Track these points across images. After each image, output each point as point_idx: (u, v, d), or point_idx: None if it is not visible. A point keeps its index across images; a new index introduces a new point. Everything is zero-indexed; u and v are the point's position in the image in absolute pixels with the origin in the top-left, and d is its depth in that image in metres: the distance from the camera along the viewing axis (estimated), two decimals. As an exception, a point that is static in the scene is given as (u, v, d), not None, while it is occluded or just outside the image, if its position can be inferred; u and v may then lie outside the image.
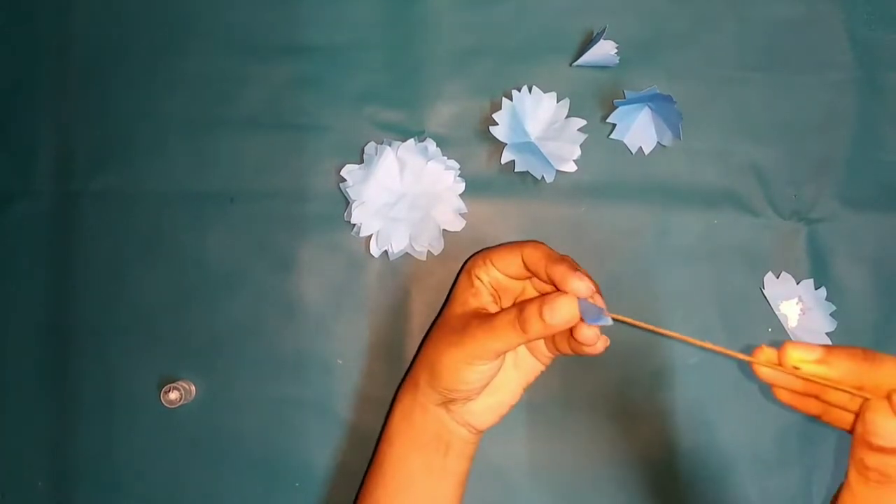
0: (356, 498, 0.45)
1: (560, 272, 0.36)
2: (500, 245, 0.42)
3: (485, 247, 0.44)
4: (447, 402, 0.41)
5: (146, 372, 0.49)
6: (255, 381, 0.49)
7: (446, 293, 0.48)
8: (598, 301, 0.37)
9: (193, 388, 0.48)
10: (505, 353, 0.39)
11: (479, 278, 0.42)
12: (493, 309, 0.41)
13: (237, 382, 0.49)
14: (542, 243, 0.40)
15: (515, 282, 0.42)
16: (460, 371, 0.39)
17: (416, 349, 0.48)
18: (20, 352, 0.49)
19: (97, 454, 0.49)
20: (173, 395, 0.46)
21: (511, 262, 0.41)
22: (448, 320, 0.41)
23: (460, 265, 0.48)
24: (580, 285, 0.35)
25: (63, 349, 0.49)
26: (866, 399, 0.28)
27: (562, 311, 0.35)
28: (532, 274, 0.40)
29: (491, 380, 0.40)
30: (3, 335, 0.49)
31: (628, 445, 0.48)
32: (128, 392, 0.49)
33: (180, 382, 0.47)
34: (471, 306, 0.41)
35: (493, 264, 0.41)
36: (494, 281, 0.42)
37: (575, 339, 0.37)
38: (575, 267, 0.37)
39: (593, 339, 0.36)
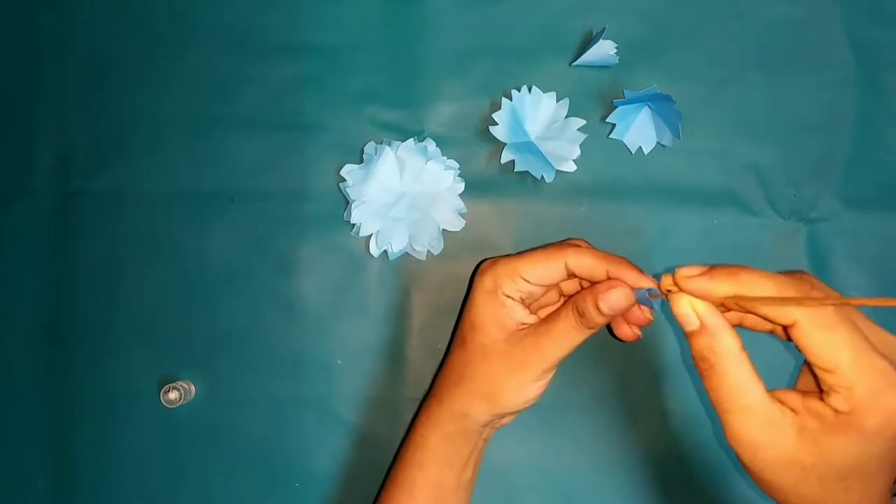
0: None
1: (628, 267, 0.37)
2: (520, 255, 0.40)
3: (487, 261, 0.42)
4: (499, 420, 0.41)
5: (146, 372, 0.49)
6: (255, 381, 0.49)
7: (446, 293, 0.48)
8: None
9: (193, 388, 0.48)
10: (569, 355, 0.39)
11: (509, 296, 0.40)
12: (531, 320, 0.40)
13: (237, 382, 0.49)
14: (580, 243, 0.40)
15: (541, 291, 0.40)
16: (527, 389, 0.39)
17: (414, 349, 0.48)
18: (20, 351, 0.49)
19: (97, 454, 0.49)
20: (173, 395, 0.46)
21: (549, 271, 0.39)
22: (494, 349, 0.40)
23: (460, 265, 0.48)
24: (647, 279, 0.37)
25: (63, 349, 0.49)
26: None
27: (620, 300, 0.36)
28: (580, 278, 0.39)
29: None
30: (3, 335, 0.49)
31: (628, 445, 0.48)
32: (128, 392, 0.49)
33: (180, 382, 0.47)
34: (510, 327, 0.40)
35: (523, 278, 0.39)
36: (525, 293, 0.40)
37: (626, 322, 0.38)
38: (635, 266, 0.37)
39: (644, 320, 0.37)
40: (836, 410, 0.28)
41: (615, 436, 0.48)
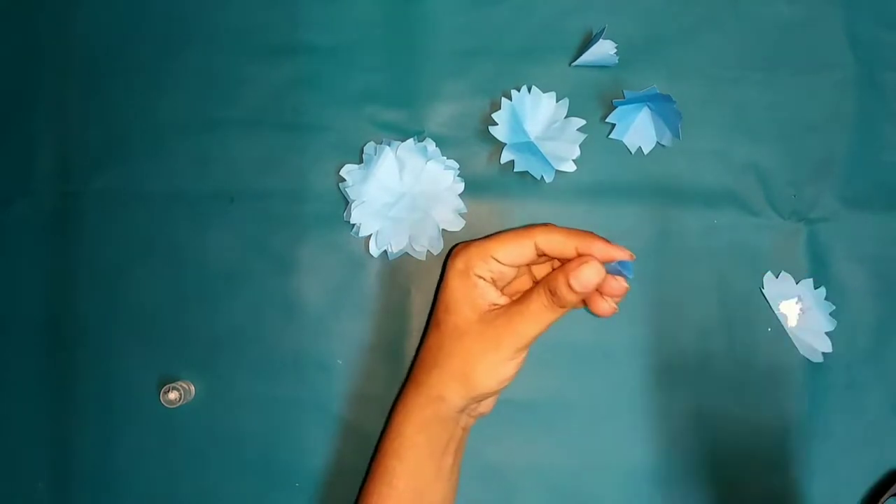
0: None
1: (599, 243, 0.38)
2: (491, 237, 0.41)
3: (460, 244, 0.42)
4: (472, 404, 0.41)
5: (146, 372, 0.49)
6: (255, 381, 0.49)
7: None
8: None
9: (193, 388, 0.48)
10: (542, 334, 0.40)
11: (481, 277, 0.41)
12: (503, 301, 0.41)
13: (237, 383, 0.49)
14: (548, 224, 0.40)
15: (512, 272, 0.41)
16: (500, 369, 0.39)
17: (415, 349, 0.48)
18: (20, 352, 0.49)
19: (97, 454, 0.49)
20: (173, 395, 0.46)
21: (519, 251, 0.40)
22: (467, 329, 0.40)
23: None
24: (622, 250, 0.38)
25: (63, 349, 0.49)
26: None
27: (590, 276, 0.37)
28: (549, 257, 0.40)
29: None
30: (3, 335, 0.49)
31: (628, 445, 0.48)
32: (128, 392, 0.49)
33: (180, 382, 0.47)
34: (483, 307, 0.40)
35: (494, 258, 0.40)
36: (497, 274, 0.41)
37: (599, 295, 0.39)
38: (604, 239, 0.39)
39: (619, 291, 0.38)
40: None
41: (614, 436, 0.48)
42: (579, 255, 0.38)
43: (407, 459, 0.42)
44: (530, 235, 0.40)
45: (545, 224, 0.40)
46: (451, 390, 0.41)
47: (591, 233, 0.39)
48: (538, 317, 0.38)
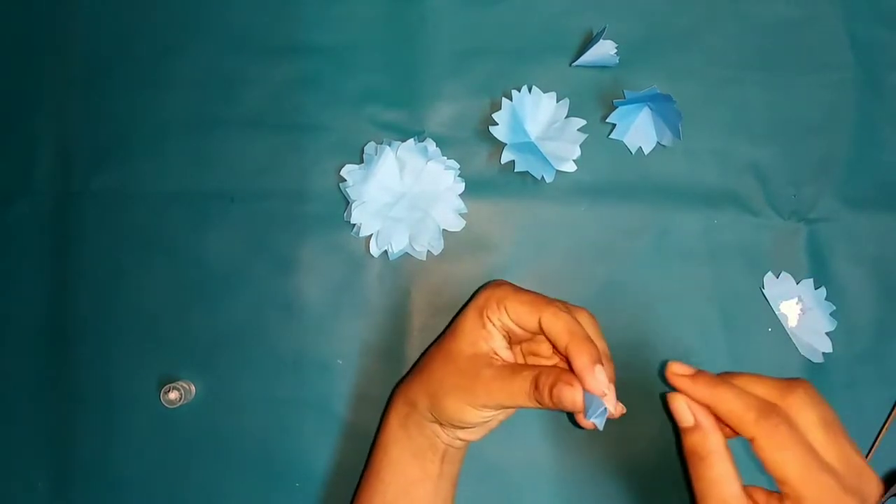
0: None
1: (581, 364, 0.36)
2: (517, 291, 0.40)
3: (499, 280, 0.42)
4: (442, 424, 0.41)
5: (146, 372, 0.49)
6: (255, 381, 0.49)
7: (446, 293, 0.48)
8: (611, 394, 0.36)
9: (193, 388, 0.48)
10: (513, 408, 0.39)
11: (491, 321, 0.40)
12: (505, 353, 0.40)
13: (237, 382, 0.49)
14: (563, 309, 0.38)
15: (524, 332, 0.40)
16: (464, 413, 0.39)
17: (415, 349, 0.48)
18: (20, 352, 0.49)
19: (97, 454, 0.49)
20: (173, 395, 0.46)
21: (527, 318, 0.39)
22: (455, 358, 0.40)
23: (460, 265, 0.48)
24: (596, 385, 0.35)
25: (63, 349, 0.49)
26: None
27: (565, 399, 0.36)
28: (547, 339, 0.38)
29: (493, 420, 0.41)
30: (3, 335, 0.49)
31: (628, 445, 0.48)
32: (128, 392, 0.49)
33: (180, 382, 0.47)
34: (481, 349, 0.39)
35: (507, 312, 0.39)
36: (506, 327, 0.40)
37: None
38: (597, 357, 0.36)
39: (682, 417, 0.36)
40: None
41: (615, 435, 0.48)
42: (569, 356, 0.37)
43: (390, 453, 0.43)
44: (542, 309, 0.38)
45: (559, 304, 0.38)
46: (421, 402, 0.41)
47: (592, 348, 0.36)
48: (514, 396, 0.37)
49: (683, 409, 0.35)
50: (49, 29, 0.50)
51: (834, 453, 0.34)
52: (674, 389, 0.36)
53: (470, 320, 0.40)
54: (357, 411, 0.48)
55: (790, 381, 0.36)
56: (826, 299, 0.48)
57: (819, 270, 0.49)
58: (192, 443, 0.49)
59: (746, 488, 0.35)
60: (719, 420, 0.35)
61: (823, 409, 0.35)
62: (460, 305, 0.48)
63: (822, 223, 0.49)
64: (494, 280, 0.42)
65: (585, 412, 0.35)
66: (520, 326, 0.39)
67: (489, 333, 0.40)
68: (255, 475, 0.48)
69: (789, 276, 0.48)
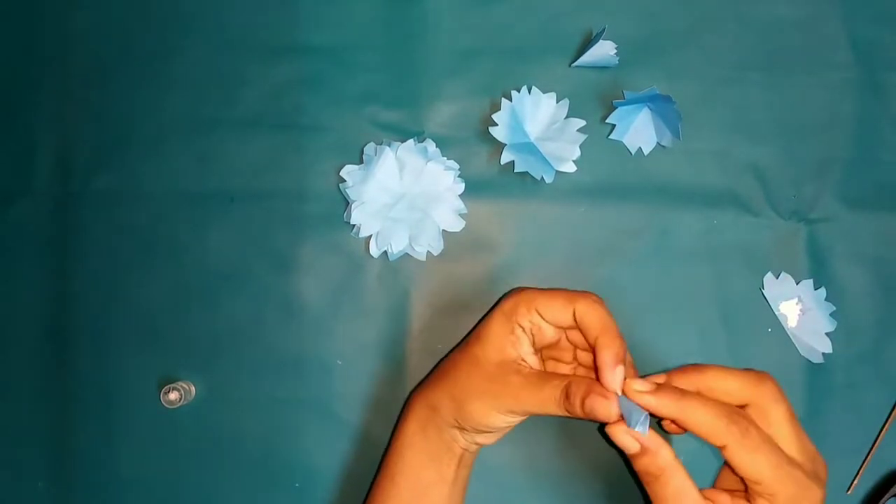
0: None
1: (606, 358, 0.37)
2: (545, 291, 0.41)
3: (520, 287, 0.42)
4: (469, 431, 0.41)
5: (146, 372, 0.49)
6: (255, 381, 0.49)
7: (446, 294, 0.48)
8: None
9: (193, 389, 0.48)
10: (540, 415, 0.39)
11: (521, 326, 0.40)
12: (532, 360, 0.40)
13: (237, 382, 0.49)
14: (599, 300, 0.39)
15: (554, 333, 0.41)
16: (490, 418, 0.39)
17: (415, 349, 0.48)
18: (20, 352, 0.49)
19: (97, 454, 0.49)
20: (173, 395, 0.46)
21: (561, 313, 0.39)
22: (482, 364, 0.40)
23: (460, 266, 0.48)
24: (610, 382, 0.36)
25: (63, 349, 0.49)
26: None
27: (600, 412, 0.36)
28: (580, 331, 0.39)
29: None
30: (3, 335, 0.49)
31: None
32: (128, 392, 0.49)
33: (180, 382, 0.47)
34: (509, 356, 0.40)
35: (539, 313, 0.40)
36: (536, 328, 0.40)
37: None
38: (622, 357, 0.37)
39: (626, 445, 0.36)
40: None
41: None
42: (593, 349, 0.38)
43: (406, 457, 0.43)
44: (574, 301, 0.39)
45: (591, 298, 0.39)
46: (445, 406, 0.41)
47: (619, 341, 0.37)
48: (543, 404, 0.38)
49: (626, 438, 0.35)
50: (49, 29, 0.50)
51: (797, 445, 0.36)
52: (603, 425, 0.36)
53: (497, 325, 0.40)
54: (357, 411, 0.48)
55: (758, 375, 0.37)
56: (826, 300, 0.48)
57: (819, 271, 0.49)
58: (192, 443, 0.49)
59: (705, 492, 0.36)
60: (685, 428, 0.36)
61: (787, 403, 0.37)
62: (460, 305, 0.48)
63: (822, 223, 0.49)
64: (515, 287, 0.42)
65: (627, 422, 0.35)
66: (553, 323, 0.40)
67: (517, 339, 0.40)
68: (255, 475, 0.48)
69: (789, 276, 0.48)
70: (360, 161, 0.49)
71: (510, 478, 0.48)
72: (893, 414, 0.48)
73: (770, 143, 0.49)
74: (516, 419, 0.40)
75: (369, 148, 0.48)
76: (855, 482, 0.48)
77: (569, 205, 0.49)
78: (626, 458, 0.37)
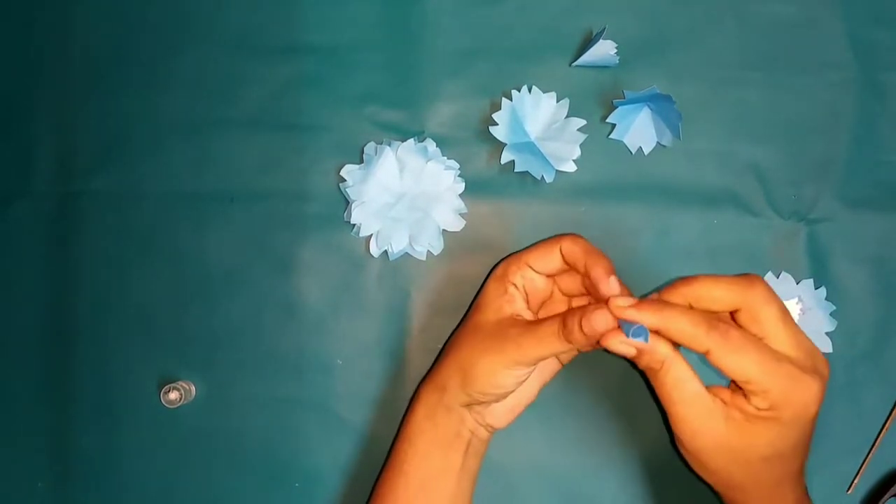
0: (370, 498, 0.45)
1: (597, 273, 0.39)
2: (531, 247, 0.43)
3: (509, 253, 0.44)
4: (474, 404, 0.42)
5: (146, 372, 0.49)
6: (255, 381, 0.49)
7: (446, 294, 0.48)
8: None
9: (193, 388, 0.48)
10: (544, 359, 0.40)
11: (514, 284, 0.42)
12: (527, 315, 0.42)
13: (237, 382, 0.49)
14: (580, 236, 0.41)
15: (545, 286, 0.43)
16: (497, 375, 0.40)
17: (415, 349, 0.48)
18: (20, 352, 0.49)
19: (97, 454, 0.49)
20: (173, 395, 0.46)
21: (549, 258, 0.42)
22: (482, 326, 0.42)
23: (460, 265, 0.48)
24: (609, 289, 0.38)
25: (63, 349, 0.49)
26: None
27: (598, 324, 0.36)
28: (570, 267, 0.41)
29: (523, 383, 0.41)
30: (3, 335, 0.49)
31: (629, 443, 0.48)
32: (128, 392, 0.49)
33: (180, 382, 0.47)
34: (505, 313, 0.41)
35: (529, 266, 0.42)
36: (529, 284, 0.42)
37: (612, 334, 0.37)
38: (611, 270, 0.39)
39: (623, 351, 0.37)
40: (757, 408, 0.35)
41: (616, 434, 0.48)
42: (586, 275, 0.40)
43: (415, 444, 0.43)
44: (557, 241, 0.41)
45: (574, 235, 0.42)
46: (453, 381, 0.42)
47: (607, 262, 0.39)
48: (544, 340, 0.38)
49: (622, 345, 0.36)
50: (49, 29, 0.50)
51: (792, 342, 0.36)
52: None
53: (491, 290, 0.43)
54: (357, 411, 0.48)
55: (748, 278, 0.37)
56: (826, 299, 0.48)
57: (819, 270, 0.49)
58: (192, 443, 0.49)
59: (709, 388, 0.36)
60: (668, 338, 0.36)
61: (779, 302, 0.37)
62: (460, 305, 0.48)
63: (822, 223, 0.49)
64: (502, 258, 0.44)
65: (626, 335, 0.35)
66: (544, 272, 0.42)
67: (511, 297, 0.42)
68: (255, 475, 0.48)
69: (789, 276, 0.48)
70: (361, 161, 0.49)
71: (510, 478, 0.48)
72: (893, 414, 0.48)
73: (770, 143, 0.49)
74: (523, 372, 0.40)
75: (369, 147, 0.48)
76: (855, 482, 0.48)
77: (569, 204, 0.49)
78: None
